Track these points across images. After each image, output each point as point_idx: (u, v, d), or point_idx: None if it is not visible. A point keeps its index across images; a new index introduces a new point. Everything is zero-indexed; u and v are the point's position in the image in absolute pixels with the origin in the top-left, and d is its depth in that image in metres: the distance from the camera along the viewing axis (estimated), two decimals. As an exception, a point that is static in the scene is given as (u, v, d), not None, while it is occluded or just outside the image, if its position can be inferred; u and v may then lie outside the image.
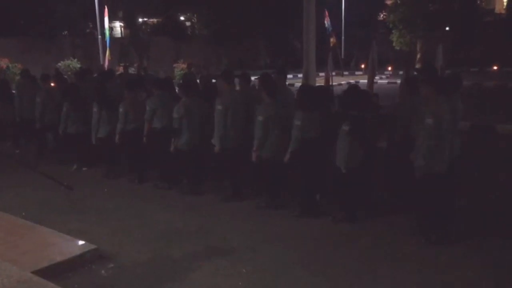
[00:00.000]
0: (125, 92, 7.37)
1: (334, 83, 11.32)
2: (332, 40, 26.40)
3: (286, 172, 6.04)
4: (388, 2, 32.80)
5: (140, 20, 32.21)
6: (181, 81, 11.53)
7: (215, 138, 6.30)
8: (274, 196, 6.05)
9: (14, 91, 10.21)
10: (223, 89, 6.49)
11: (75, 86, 8.64)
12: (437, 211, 4.96)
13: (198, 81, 10.10)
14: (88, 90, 8.34)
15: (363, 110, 5.37)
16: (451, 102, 5.21)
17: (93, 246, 4.79)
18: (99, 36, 21.88)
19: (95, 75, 11.04)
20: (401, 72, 25.64)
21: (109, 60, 18.31)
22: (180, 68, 24.77)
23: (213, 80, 8.19)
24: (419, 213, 5.19)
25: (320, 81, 11.11)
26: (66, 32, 28.07)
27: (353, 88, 5.82)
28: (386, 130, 6.10)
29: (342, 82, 20.13)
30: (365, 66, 26.58)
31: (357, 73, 28.74)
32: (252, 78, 7.39)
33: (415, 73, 9.23)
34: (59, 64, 22.90)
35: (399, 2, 28.34)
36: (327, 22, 26.63)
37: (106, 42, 19.96)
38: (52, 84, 9.57)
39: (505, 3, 36.35)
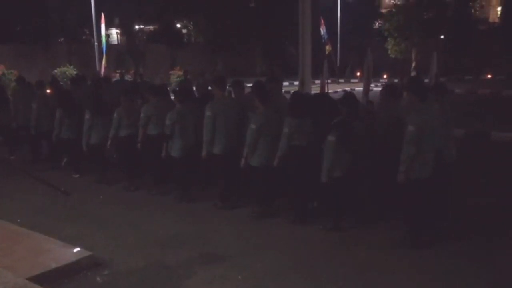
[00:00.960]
0: (121, 98, 7.39)
1: (329, 91, 11.37)
2: (327, 47, 26.61)
3: (279, 179, 6.04)
4: (383, 10, 33.10)
5: (137, 27, 32.28)
6: (177, 88, 11.55)
7: (203, 143, 6.34)
8: (266, 203, 6.05)
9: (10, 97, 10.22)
10: (216, 96, 6.53)
11: (69, 92, 8.65)
12: (422, 215, 4.99)
13: (194, 88, 10.13)
14: (82, 97, 8.35)
15: (351, 118, 5.39)
16: (439, 109, 5.25)
17: (88, 253, 4.79)
18: (96, 43, 21.90)
19: (89, 82, 11.05)
20: (396, 80, 25.81)
21: (105, 67, 18.32)
22: (176, 75, 24.82)
23: (210, 88, 8.22)
24: (405, 218, 5.21)
25: (315, 89, 11.17)
26: (62, 38, 28.07)
27: (345, 96, 5.83)
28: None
29: (338, 90, 20.20)
30: (360, 74, 26.72)
31: (352, 80, 28.87)
32: (248, 85, 7.42)
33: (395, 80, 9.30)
34: (55, 70, 22.88)
35: (394, 10, 28.59)
36: (322, 30, 26.87)
37: (102, 49, 19.96)
38: (48, 91, 9.58)
39: (498, 12, 36.73)
